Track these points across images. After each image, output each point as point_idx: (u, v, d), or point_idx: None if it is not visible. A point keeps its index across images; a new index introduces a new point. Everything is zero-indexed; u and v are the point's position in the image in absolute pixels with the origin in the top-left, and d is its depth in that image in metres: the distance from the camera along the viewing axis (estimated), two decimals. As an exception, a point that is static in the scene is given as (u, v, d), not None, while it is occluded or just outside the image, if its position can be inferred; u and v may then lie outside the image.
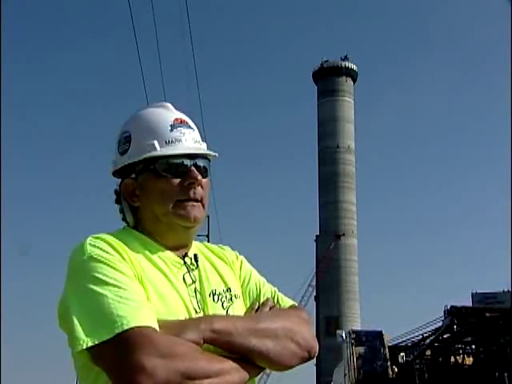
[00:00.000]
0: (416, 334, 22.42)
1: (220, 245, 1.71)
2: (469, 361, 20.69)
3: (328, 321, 58.71)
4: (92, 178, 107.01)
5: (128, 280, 1.37)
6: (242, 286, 1.63)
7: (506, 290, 52.99)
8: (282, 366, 1.47)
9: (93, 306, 1.33)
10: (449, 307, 18.87)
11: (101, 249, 1.42)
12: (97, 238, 1.46)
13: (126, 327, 1.28)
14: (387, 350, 21.59)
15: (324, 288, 59.79)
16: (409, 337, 23.07)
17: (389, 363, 21.38)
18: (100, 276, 1.37)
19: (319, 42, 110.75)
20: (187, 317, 1.43)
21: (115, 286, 1.35)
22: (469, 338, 20.32)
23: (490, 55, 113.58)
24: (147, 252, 1.48)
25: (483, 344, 19.23)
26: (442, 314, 19.30)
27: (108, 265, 1.39)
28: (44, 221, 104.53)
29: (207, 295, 1.51)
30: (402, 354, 22.55)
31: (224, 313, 1.50)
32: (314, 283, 62.40)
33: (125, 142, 1.55)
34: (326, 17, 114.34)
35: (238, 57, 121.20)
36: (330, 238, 61.56)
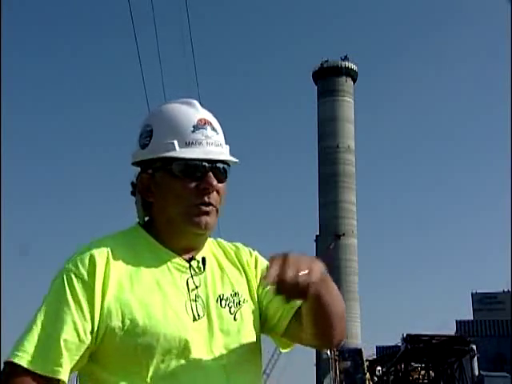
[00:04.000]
0: (392, 350, 28.74)
1: (234, 242, 1.73)
2: (422, 376, 27.29)
3: (328, 321, 64.33)
4: (92, 177, 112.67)
5: (71, 310, 1.42)
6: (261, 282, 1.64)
7: (505, 290, 55.86)
8: (330, 341, 1.61)
9: (31, 321, 1.44)
10: (405, 335, 25.36)
11: (77, 266, 1.47)
12: (87, 249, 1.51)
13: (7, 358, 1.39)
14: (365, 364, 26.88)
15: (324, 288, 64.75)
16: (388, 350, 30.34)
17: (367, 375, 26.66)
18: (52, 298, 1.45)
19: (319, 42, 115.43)
20: (180, 323, 1.47)
21: (52, 312, 1.43)
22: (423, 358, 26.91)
23: (490, 55, 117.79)
24: (146, 257, 1.53)
25: (432, 363, 25.92)
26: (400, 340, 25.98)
27: (69, 287, 1.44)
28: (44, 221, 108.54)
29: (215, 300, 1.55)
30: (378, 367, 28.09)
31: (232, 318, 1.55)
32: (314, 283, 67.44)
33: (146, 135, 1.58)
34: (325, 17, 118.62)
35: (238, 57, 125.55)
36: (329, 238, 64.15)
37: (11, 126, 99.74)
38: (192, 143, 1.55)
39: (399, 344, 28.26)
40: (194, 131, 1.55)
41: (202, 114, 1.60)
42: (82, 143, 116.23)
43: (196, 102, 1.62)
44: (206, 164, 1.55)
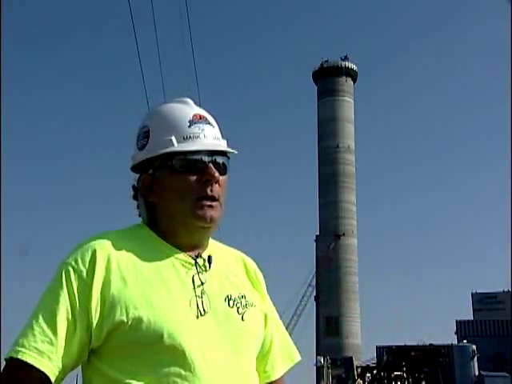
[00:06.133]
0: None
1: (247, 258, 1.77)
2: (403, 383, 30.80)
3: (328, 321, 63.31)
4: (92, 177, 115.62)
5: (66, 306, 1.47)
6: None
7: (505, 290, 57.83)
8: None
9: (30, 317, 1.48)
10: (386, 347, 29.04)
11: (77, 261, 1.51)
12: (89, 244, 1.54)
13: (9, 355, 1.44)
14: (355, 372, 29.49)
15: (324, 288, 63.93)
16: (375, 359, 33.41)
17: (358, 381, 29.40)
18: (50, 293, 1.49)
19: (319, 42, 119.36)
20: (184, 319, 1.49)
21: (48, 307, 1.47)
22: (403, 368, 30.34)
23: (490, 55, 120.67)
24: (151, 253, 1.56)
25: (410, 372, 29.31)
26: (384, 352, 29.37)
27: (67, 283, 1.48)
28: (44, 221, 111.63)
29: (222, 299, 1.58)
30: (368, 374, 30.82)
31: (240, 318, 1.58)
32: (313, 283, 66.70)
33: (144, 137, 1.63)
34: (325, 17, 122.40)
35: (239, 57, 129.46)
36: (329, 238, 65.83)
37: (11, 125, 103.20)
38: (190, 137, 1.60)
39: (401, 344, 31.15)
40: (190, 126, 1.61)
41: (197, 110, 1.67)
42: (82, 143, 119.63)
43: (189, 100, 1.68)
44: (206, 157, 1.59)
